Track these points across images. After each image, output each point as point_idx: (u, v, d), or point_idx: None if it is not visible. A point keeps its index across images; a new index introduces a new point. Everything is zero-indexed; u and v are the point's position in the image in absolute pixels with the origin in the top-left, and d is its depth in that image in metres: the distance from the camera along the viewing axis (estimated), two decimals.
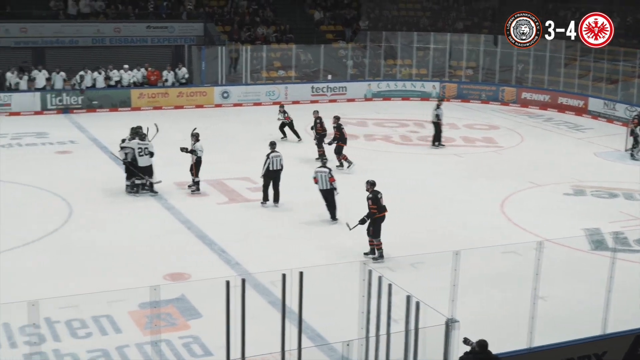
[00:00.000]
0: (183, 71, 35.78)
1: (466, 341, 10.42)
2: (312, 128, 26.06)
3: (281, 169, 20.36)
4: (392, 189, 21.92)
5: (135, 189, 20.87)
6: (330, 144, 24.80)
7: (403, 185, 22.36)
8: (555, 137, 30.58)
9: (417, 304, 10.10)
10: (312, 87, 37.61)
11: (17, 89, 32.92)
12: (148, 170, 20.94)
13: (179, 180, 22.13)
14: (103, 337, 12.88)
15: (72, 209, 19.68)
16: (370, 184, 16.79)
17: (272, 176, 20.26)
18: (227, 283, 9.77)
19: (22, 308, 9.47)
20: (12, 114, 32.25)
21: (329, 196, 19.11)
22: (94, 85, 33.92)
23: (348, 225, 17.16)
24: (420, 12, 45.11)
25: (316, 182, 19.12)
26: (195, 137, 21.38)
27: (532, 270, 11.65)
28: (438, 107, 27.51)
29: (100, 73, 34.16)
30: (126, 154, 20.79)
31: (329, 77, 38.67)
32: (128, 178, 21.01)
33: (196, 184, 21.46)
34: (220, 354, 10.33)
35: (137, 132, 21.12)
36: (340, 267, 14.87)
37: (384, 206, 16.59)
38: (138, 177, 20.87)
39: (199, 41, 39.35)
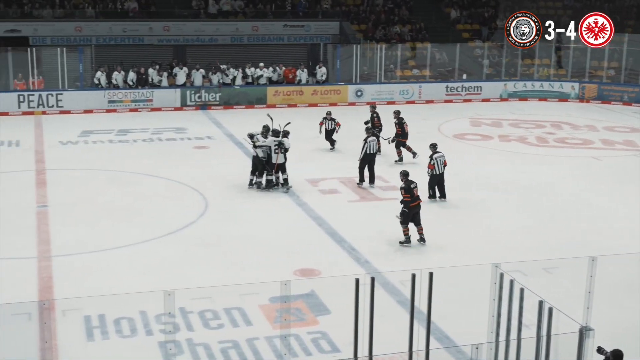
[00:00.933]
0: (322, 70, 36.00)
1: (600, 350, 10.09)
2: (365, 123, 24.43)
3: (377, 152, 21.85)
4: (527, 191, 21.60)
5: (259, 184, 21.09)
6: (392, 141, 24.58)
7: (539, 188, 21.91)
8: None
9: (550, 309, 9.84)
10: (447, 87, 37.27)
11: (158, 86, 33.96)
12: (282, 167, 21.21)
13: (311, 177, 22.32)
14: (234, 329, 13.10)
15: (207, 202, 20.13)
16: (404, 175, 17.47)
17: (368, 159, 21.42)
18: (357, 281, 9.79)
19: (159, 297, 9.72)
20: (153, 109, 33.30)
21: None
22: (232, 82, 34.64)
23: (398, 217, 17.28)
24: (560, 10, 43.99)
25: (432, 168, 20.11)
26: (285, 133, 21.28)
27: None
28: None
29: (238, 70, 34.84)
30: (263, 151, 21.04)
31: (464, 76, 38.23)
32: (253, 173, 21.30)
33: (268, 182, 21.18)
34: (348, 351, 10.37)
35: (269, 129, 21.43)
36: (471, 269, 14.66)
37: (418, 196, 17.28)
38: (270, 173, 21.12)
39: (334, 40, 39.59)
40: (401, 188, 17.28)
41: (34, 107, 32.08)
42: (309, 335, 12.90)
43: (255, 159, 21.12)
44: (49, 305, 11.89)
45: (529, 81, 38.40)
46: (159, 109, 33.27)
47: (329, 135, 26.25)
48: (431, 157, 20.33)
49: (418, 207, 17.24)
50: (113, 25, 37.71)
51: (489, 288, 10.67)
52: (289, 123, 21.52)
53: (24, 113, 31.81)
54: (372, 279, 9.89)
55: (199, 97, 33.93)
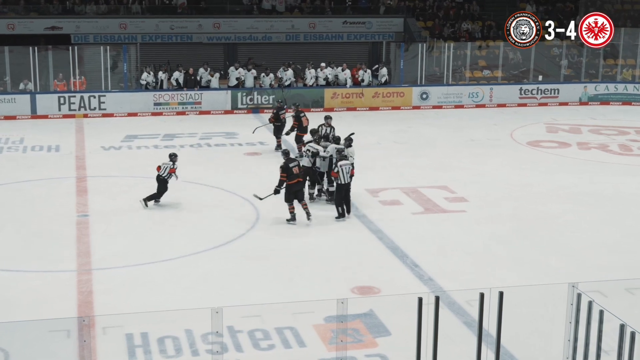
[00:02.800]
0: (383, 71, 35.96)
1: None
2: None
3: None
4: (608, 205, 21.36)
5: (321, 195, 21.22)
6: (287, 133, 25.78)
7: (622, 201, 21.65)
8: None
9: (632, 334, 9.73)
10: (520, 89, 36.98)
11: (208, 87, 34.22)
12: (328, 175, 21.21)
13: (371, 187, 22.33)
14: (286, 350, 13.13)
15: (259, 213, 20.25)
16: (285, 153, 19.63)
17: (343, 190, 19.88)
18: (420, 300, 9.78)
19: (206, 315, 9.82)
20: (201, 112, 33.61)
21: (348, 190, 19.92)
22: (289, 85, 34.78)
23: (257, 197, 19.67)
24: None
25: (336, 177, 19.72)
26: (349, 141, 21.13)
27: None
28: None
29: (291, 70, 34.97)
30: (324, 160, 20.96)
31: (540, 78, 37.91)
32: (313, 186, 21.25)
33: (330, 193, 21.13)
34: None
35: (321, 136, 21.55)
36: (545, 289, 14.53)
37: (297, 174, 19.23)
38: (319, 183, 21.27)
39: (397, 38, 39.60)
40: (280, 167, 19.34)
41: (75, 110, 32.59)
42: (367, 358, 12.89)
43: (310, 169, 21.06)
44: (88, 321, 12.05)
45: (612, 83, 37.92)
46: (208, 112, 33.57)
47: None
48: (336, 163, 19.82)
49: (298, 185, 19.35)
50: (160, 22, 38.23)
51: (564, 309, 10.58)
52: (352, 134, 21.48)
53: (65, 116, 32.35)
54: (437, 298, 9.88)
55: (251, 99, 34.17)
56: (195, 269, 16.54)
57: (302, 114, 25.77)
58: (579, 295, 10.40)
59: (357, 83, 35.45)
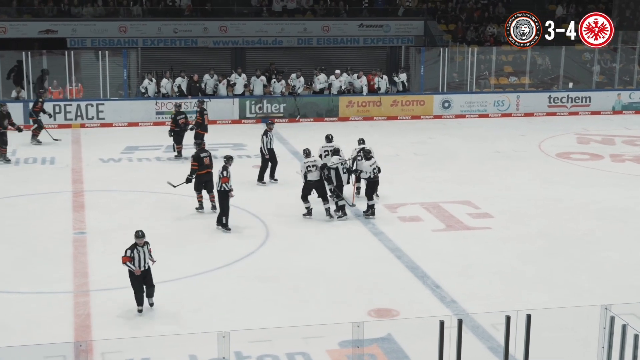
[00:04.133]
0: (402, 77, 36.00)
1: None
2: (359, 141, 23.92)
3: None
4: None
5: (339, 212, 21.32)
6: (191, 129, 27.47)
7: None
8: None
9: None
10: (549, 97, 36.98)
11: (214, 94, 34.28)
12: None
13: (389, 202, 22.37)
14: None
15: (269, 230, 20.32)
16: (197, 144, 22.21)
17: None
18: (441, 323, 9.82)
19: (212, 339, 9.87)
20: (207, 122, 33.60)
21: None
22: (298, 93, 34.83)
23: (171, 184, 21.67)
24: None
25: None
26: (367, 153, 21.40)
27: None
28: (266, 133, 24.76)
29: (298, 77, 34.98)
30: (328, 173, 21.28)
31: (570, 85, 37.94)
32: (325, 201, 21.37)
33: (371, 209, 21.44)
34: None
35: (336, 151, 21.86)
36: (575, 311, 14.55)
37: (208, 165, 21.26)
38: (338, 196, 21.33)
39: (417, 42, 39.68)
40: (192, 156, 21.54)
41: (71, 119, 32.68)
42: None
43: (318, 183, 21.19)
44: (86, 347, 12.13)
45: None
46: (214, 122, 33.46)
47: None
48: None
49: (208, 175, 21.29)
50: (162, 25, 38.43)
51: (597, 333, 10.60)
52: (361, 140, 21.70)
53: (60, 126, 32.45)
54: (460, 322, 9.92)
55: (260, 108, 34.26)
56: (200, 290, 16.60)
57: (205, 112, 27.65)
58: (612, 318, 10.42)
59: (373, 91, 35.50)
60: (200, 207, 21.52)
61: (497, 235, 20.11)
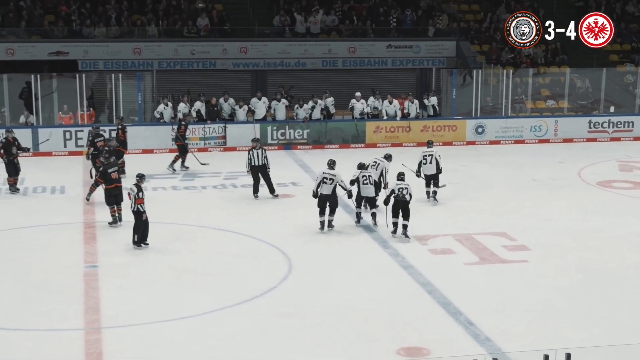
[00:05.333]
0: (432, 100, 36.01)
1: None
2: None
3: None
4: None
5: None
6: (115, 147, 27.68)
7: None
8: None
9: None
10: (589, 122, 36.89)
11: (232, 119, 34.43)
12: (371, 201, 22.99)
13: (419, 233, 22.35)
14: None
15: (291, 263, 20.33)
16: (106, 158, 23.72)
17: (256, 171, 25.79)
18: None
19: None
20: (226, 149, 33.82)
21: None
22: (323, 117, 34.94)
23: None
24: None
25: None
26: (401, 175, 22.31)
27: None
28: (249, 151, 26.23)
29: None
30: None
31: (612, 109, 37.87)
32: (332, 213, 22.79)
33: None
34: None
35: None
36: (617, 350, 14.48)
37: (116, 179, 23.19)
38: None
39: (449, 63, 39.70)
40: (98, 170, 24.06)
41: (82, 146, 32.53)
42: None
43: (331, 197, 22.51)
44: None
45: None
46: (233, 149, 33.69)
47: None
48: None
49: (117, 189, 23.12)
50: (179, 46, 38.48)
51: None
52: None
53: (70, 153, 32.68)
54: None
55: (282, 134, 34.36)
56: (218, 328, 16.61)
57: (126, 130, 29.91)
58: None
59: (402, 115, 35.53)
60: (114, 222, 23.11)
61: (534, 269, 20.05)
